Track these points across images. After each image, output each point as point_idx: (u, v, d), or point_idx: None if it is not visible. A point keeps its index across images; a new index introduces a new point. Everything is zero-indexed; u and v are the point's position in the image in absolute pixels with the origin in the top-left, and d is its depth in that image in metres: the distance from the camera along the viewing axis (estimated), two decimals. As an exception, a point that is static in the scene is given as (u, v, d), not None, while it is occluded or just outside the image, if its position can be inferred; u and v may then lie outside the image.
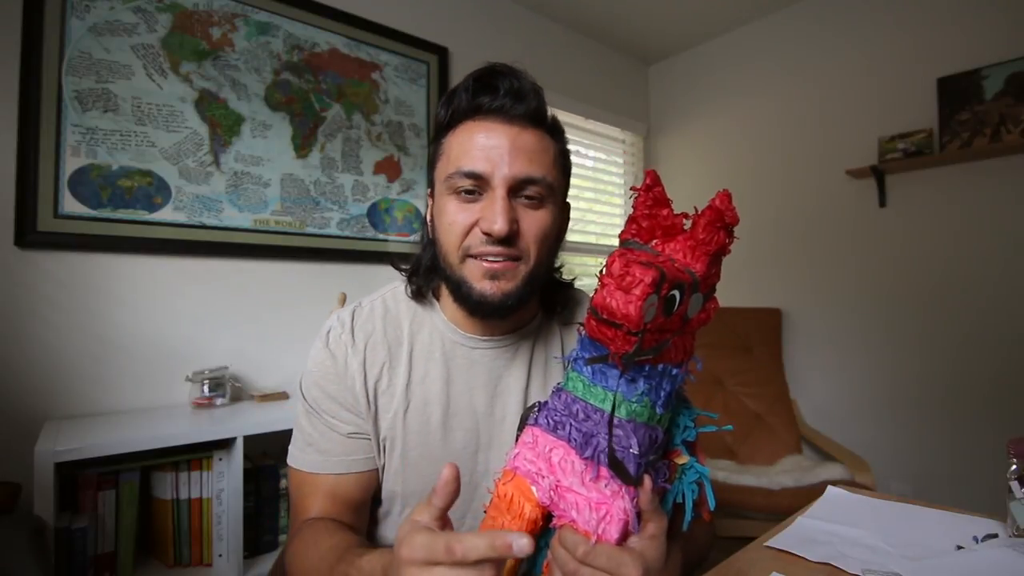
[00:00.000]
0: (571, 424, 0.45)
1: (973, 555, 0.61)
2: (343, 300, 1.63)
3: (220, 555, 1.22)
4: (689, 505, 0.47)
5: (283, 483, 1.34)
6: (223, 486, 1.23)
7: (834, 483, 0.90)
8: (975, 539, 0.64)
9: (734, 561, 0.62)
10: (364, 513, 0.67)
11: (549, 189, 0.61)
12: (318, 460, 0.64)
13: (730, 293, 2.43)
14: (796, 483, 1.73)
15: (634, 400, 0.43)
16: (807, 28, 2.32)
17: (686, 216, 0.46)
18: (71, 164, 1.32)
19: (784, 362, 2.26)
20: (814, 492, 0.87)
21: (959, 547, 0.63)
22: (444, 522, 0.41)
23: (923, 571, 0.58)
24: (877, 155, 2.06)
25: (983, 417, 1.85)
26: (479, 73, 0.62)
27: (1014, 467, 0.64)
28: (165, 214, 1.44)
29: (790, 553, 0.63)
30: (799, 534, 0.69)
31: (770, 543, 0.66)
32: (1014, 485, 0.63)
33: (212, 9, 1.55)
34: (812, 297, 2.29)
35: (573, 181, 0.72)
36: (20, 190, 1.26)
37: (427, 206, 0.69)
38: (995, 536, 0.64)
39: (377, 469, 0.66)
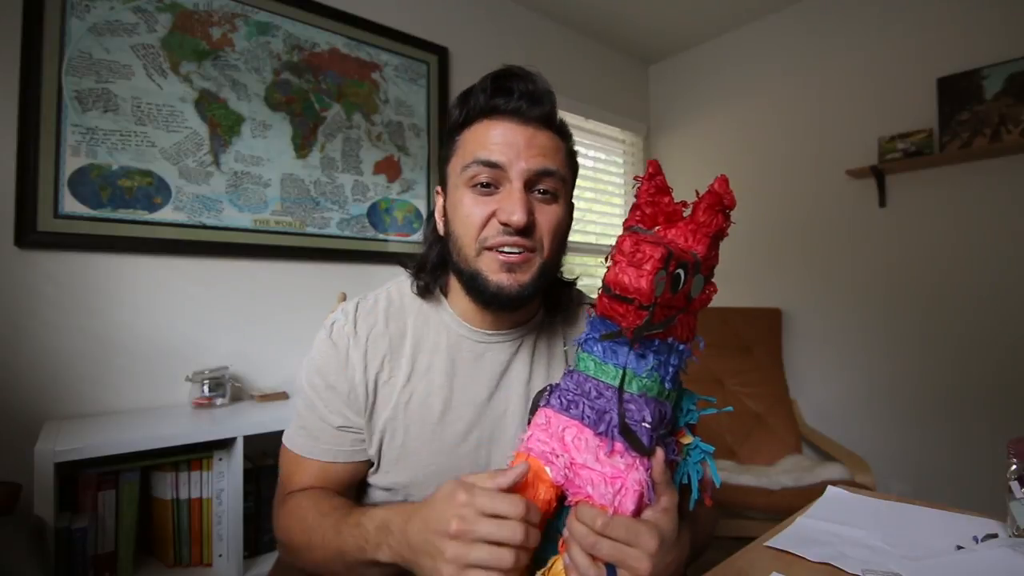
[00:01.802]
0: (584, 402, 0.46)
1: (973, 555, 0.61)
2: (343, 300, 1.63)
3: (220, 555, 1.22)
4: (695, 484, 0.48)
5: (283, 483, 1.34)
6: (223, 486, 1.23)
7: (834, 483, 0.90)
8: (975, 539, 0.64)
9: (734, 561, 0.62)
10: (349, 497, 0.69)
11: (562, 183, 0.64)
12: (309, 445, 0.67)
13: (730, 293, 2.43)
14: (796, 483, 1.73)
15: (644, 375, 0.44)
16: (807, 28, 2.31)
17: (685, 204, 0.48)
18: (71, 164, 1.32)
19: (784, 362, 2.26)
20: (814, 492, 0.87)
21: (959, 547, 0.63)
22: None
23: (923, 571, 0.58)
24: (877, 155, 2.06)
25: (983, 417, 1.85)
26: (496, 74, 0.64)
27: (1014, 467, 0.64)
28: (165, 214, 1.44)
29: (790, 553, 0.63)
30: (799, 534, 0.69)
31: (770, 543, 0.66)
32: (1014, 485, 0.63)
33: (212, 9, 1.55)
34: (812, 297, 2.29)
35: (572, 180, 0.73)
36: (20, 190, 1.26)
37: (436, 204, 0.71)
38: (995, 536, 0.64)
39: (364, 461, 0.68)
